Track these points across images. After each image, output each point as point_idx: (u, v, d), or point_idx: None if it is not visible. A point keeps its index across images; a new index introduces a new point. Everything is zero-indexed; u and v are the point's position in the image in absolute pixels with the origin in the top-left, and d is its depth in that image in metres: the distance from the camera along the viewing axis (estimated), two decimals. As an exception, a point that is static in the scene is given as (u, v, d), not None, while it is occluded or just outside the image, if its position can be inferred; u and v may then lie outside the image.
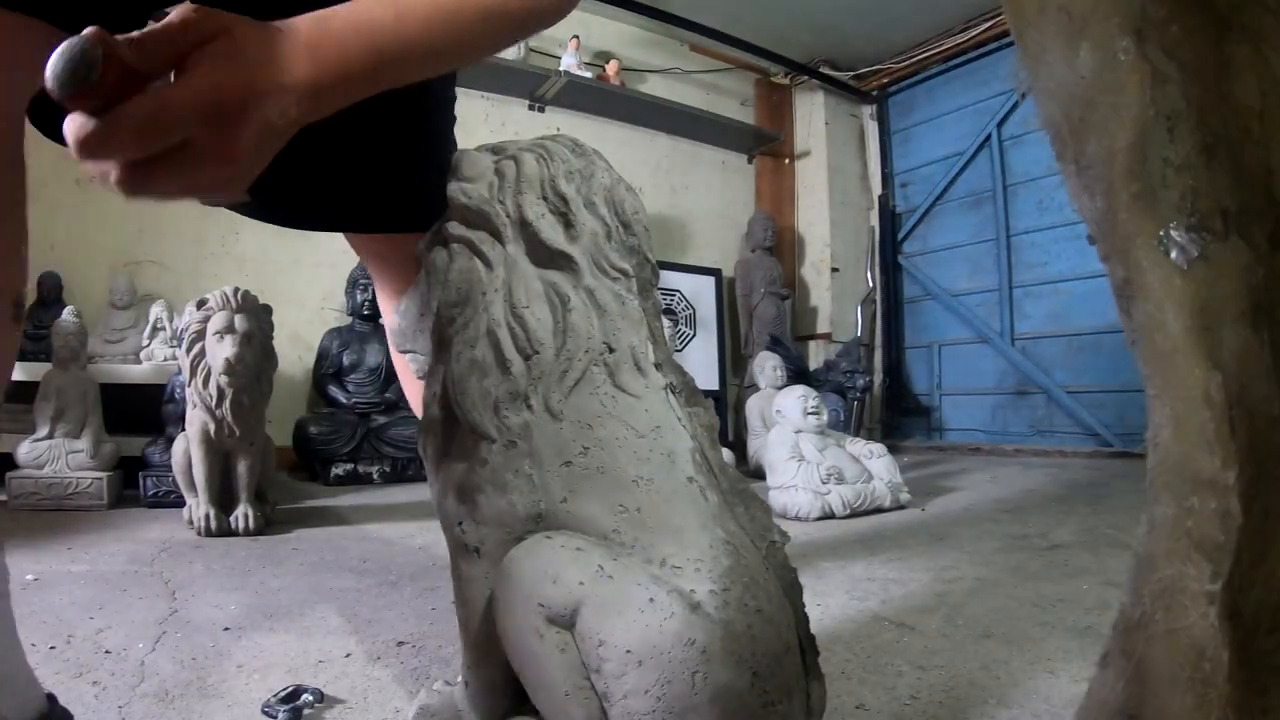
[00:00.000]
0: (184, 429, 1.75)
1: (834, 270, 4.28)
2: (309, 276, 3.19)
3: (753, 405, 3.12)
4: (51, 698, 0.58)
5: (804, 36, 4.05)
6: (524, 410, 0.58)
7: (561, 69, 3.37)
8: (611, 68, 3.63)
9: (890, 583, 1.24)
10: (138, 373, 2.43)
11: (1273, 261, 0.40)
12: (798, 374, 3.33)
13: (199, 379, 1.68)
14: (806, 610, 0.57)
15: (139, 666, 0.86)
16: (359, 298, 2.95)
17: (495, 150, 0.65)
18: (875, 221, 4.42)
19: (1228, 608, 0.37)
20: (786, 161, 4.44)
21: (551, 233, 0.59)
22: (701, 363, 3.63)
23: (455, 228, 0.61)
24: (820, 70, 4.25)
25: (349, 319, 3.00)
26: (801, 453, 2.03)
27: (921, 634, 0.97)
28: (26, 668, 0.57)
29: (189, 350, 1.69)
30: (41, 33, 0.50)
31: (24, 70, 0.50)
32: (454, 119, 0.79)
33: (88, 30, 0.37)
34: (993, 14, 3.68)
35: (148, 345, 2.53)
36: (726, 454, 2.09)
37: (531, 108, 3.58)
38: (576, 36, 3.44)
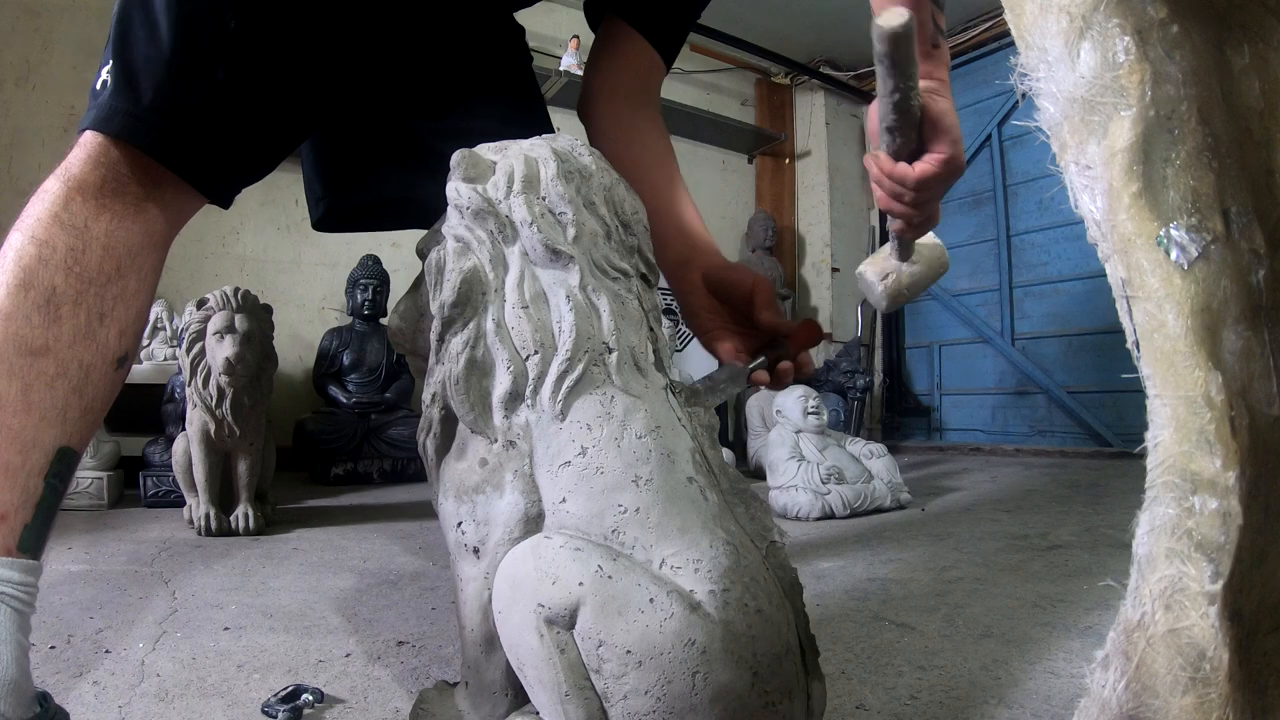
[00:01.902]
0: (184, 429, 1.76)
1: (834, 270, 4.28)
2: (309, 276, 3.19)
3: (753, 405, 3.12)
4: (46, 696, 0.58)
5: (804, 36, 4.05)
6: (524, 410, 0.58)
7: (561, 69, 3.36)
8: (612, 68, 3.63)
9: (890, 583, 1.24)
10: (138, 372, 2.43)
11: (1273, 261, 0.40)
12: (798, 374, 3.33)
13: (199, 379, 1.68)
14: (806, 610, 0.57)
15: (139, 666, 0.86)
16: (359, 298, 2.95)
17: (495, 150, 0.65)
18: (875, 221, 4.42)
19: (1228, 608, 0.37)
20: (787, 161, 4.45)
21: (551, 232, 0.59)
22: (702, 363, 3.63)
23: (455, 227, 0.61)
24: (821, 70, 4.25)
25: (349, 319, 3.00)
26: (802, 453, 2.03)
27: (921, 634, 0.97)
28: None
29: (189, 350, 1.69)
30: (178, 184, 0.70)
31: (158, 204, 0.69)
32: None
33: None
34: (993, 14, 3.68)
35: (148, 345, 2.53)
36: (726, 454, 2.09)
37: (531, 107, 3.58)
38: (576, 36, 3.43)
